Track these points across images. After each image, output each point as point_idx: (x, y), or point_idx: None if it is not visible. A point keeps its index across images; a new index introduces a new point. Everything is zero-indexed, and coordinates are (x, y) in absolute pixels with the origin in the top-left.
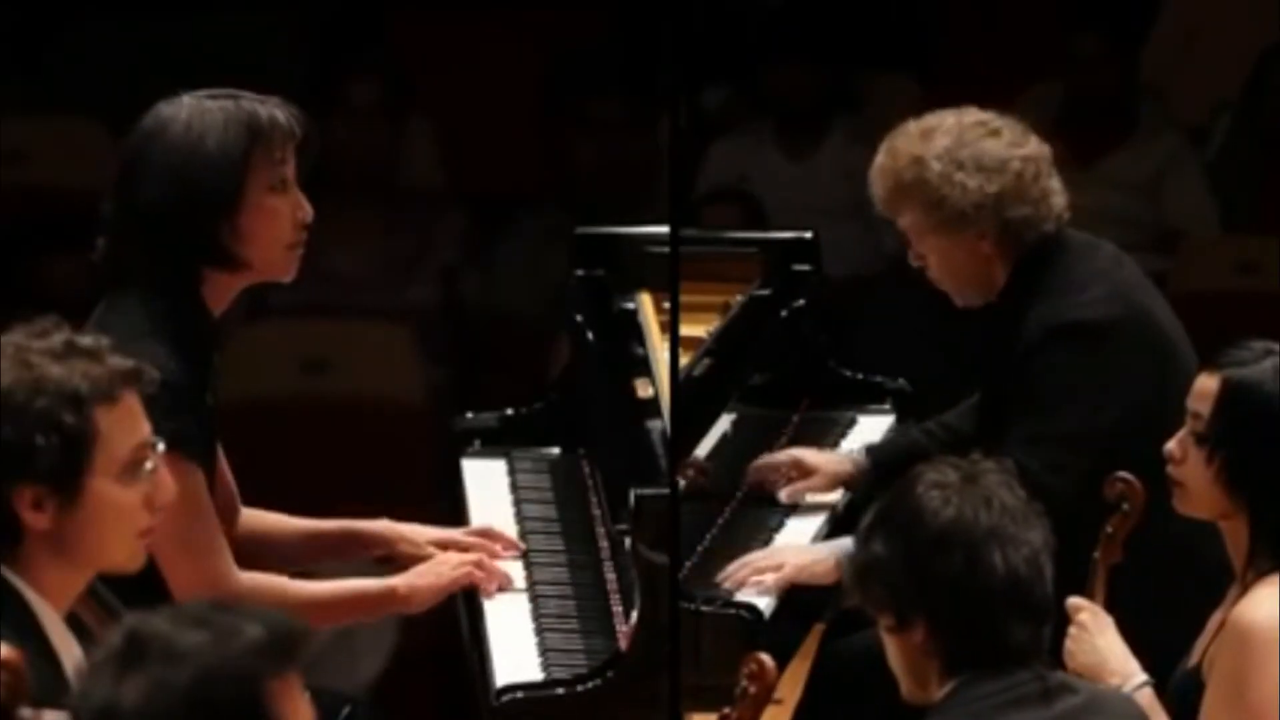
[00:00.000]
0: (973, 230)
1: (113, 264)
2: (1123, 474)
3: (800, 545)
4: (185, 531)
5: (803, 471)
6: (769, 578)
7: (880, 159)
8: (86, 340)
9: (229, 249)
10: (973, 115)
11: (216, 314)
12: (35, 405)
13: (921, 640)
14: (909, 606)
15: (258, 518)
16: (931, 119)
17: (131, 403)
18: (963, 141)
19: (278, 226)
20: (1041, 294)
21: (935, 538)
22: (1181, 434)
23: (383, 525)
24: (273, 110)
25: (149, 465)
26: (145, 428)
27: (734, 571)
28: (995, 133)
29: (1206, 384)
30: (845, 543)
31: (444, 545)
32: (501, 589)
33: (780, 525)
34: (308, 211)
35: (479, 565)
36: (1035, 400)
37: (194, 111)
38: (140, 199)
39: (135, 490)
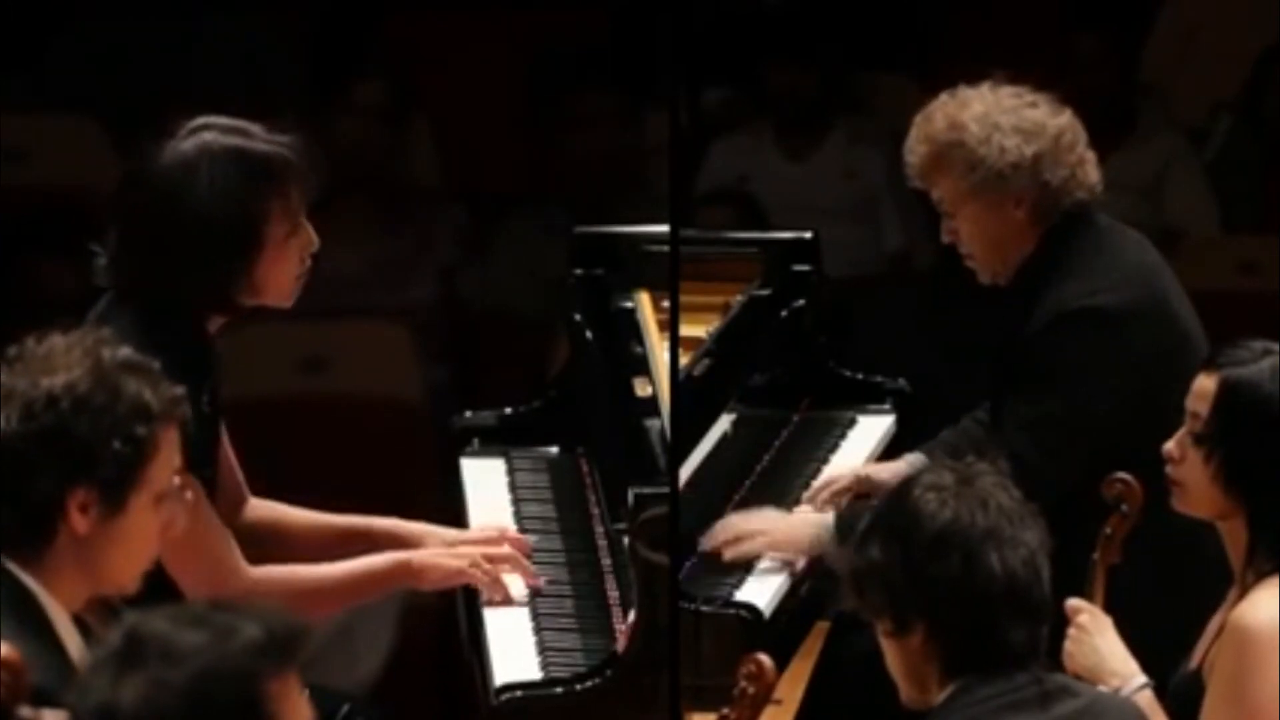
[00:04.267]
0: (1010, 194)
1: (114, 282)
2: (1121, 475)
3: (782, 515)
4: (193, 538)
5: (872, 488)
6: (745, 546)
7: (915, 130)
8: (140, 359)
9: (238, 302)
10: (1008, 88)
11: (214, 329)
12: (116, 410)
13: (920, 644)
14: (907, 610)
15: (269, 508)
16: (967, 91)
17: (175, 432)
18: (1000, 108)
19: (289, 266)
20: (1062, 275)
21: (932, 540)
22: (1180, 434)
23: (394, 524)
24: (284, 153)
25: (184, 494)
26: (179, 457)
27: (716, 533)
28: (1032, 104)
29: (1205, 384)
30: (825, 518)
31: (459, 545)
32: (503, 601)
33: None
34: (314, 241)
35: (495, 574)
36: (1039, 383)
37: (212, 164)
38: (152, 250)
39: (161, 516)
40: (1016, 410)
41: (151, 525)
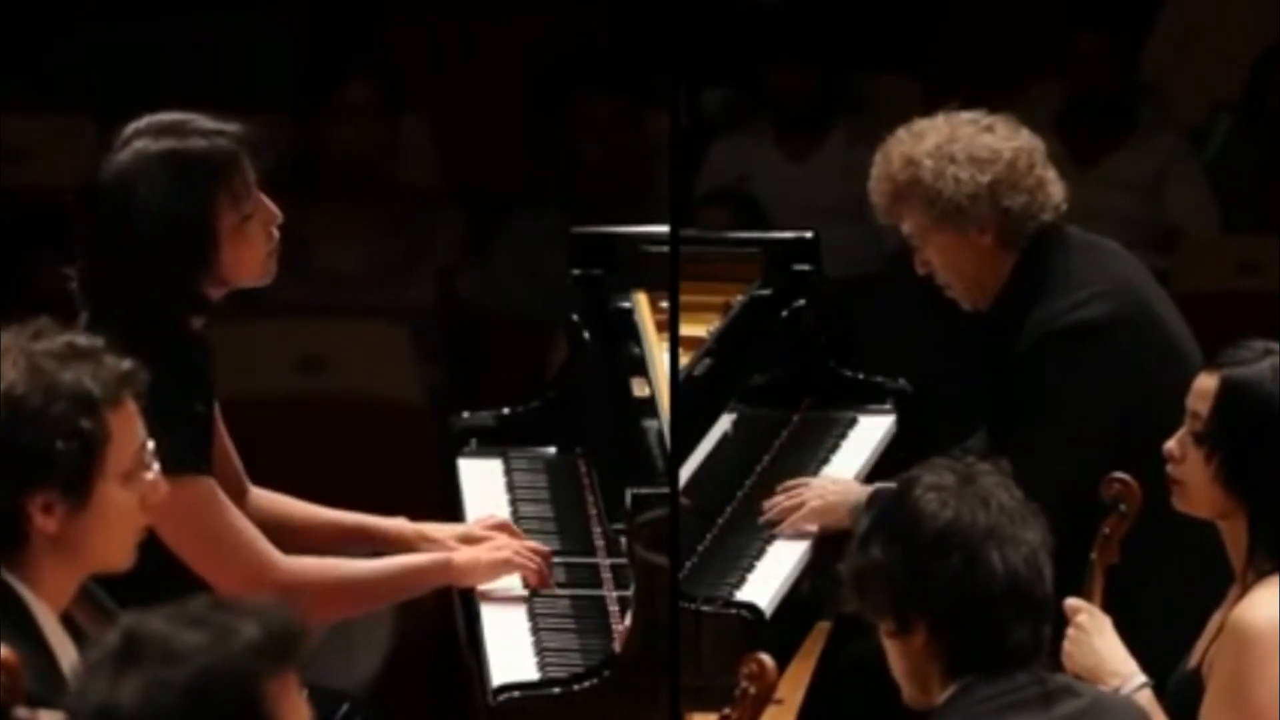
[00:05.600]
0: (972, 224)
1: (86, 302)
2: (1119, 474)
3: (830, 484)
4: (216, 537)
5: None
6: (794, 518)
7: (875, 169)
8: (83, 341)
9: (210, 296)
10: (964, 115)
11: (200, 324)
12: (53, 410)
13: (923, 644)
14: (909, 609)
15: (271, 499)
16: (922, 122)
17: (132, 405)
18: (954, 138)
19: (253, 248)
20: (1041, 295)
21: (934, 539)
22: (1181, 433)
23: (400, 524)
24: (220, 143)
25: (150, 466)
26: (143, 429)
27: (773, 503)
28: (988, 129)
29: (1206, 383)
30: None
31: (466, 539)
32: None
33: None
34: (277, 215)
35: (539, 562)
36: (1035, 406)
37: (148, 173)
38: (110, 266)
39: (135, 491)
40: (1017, 435)
41: (126, 503)
